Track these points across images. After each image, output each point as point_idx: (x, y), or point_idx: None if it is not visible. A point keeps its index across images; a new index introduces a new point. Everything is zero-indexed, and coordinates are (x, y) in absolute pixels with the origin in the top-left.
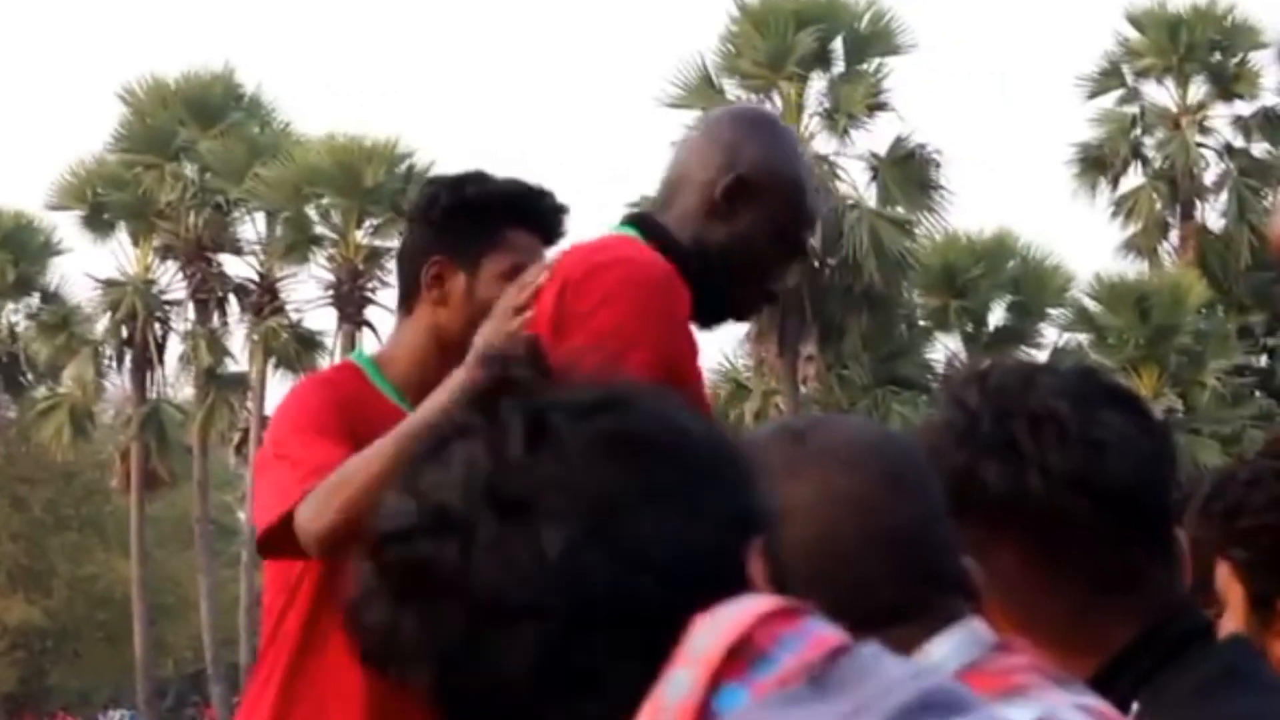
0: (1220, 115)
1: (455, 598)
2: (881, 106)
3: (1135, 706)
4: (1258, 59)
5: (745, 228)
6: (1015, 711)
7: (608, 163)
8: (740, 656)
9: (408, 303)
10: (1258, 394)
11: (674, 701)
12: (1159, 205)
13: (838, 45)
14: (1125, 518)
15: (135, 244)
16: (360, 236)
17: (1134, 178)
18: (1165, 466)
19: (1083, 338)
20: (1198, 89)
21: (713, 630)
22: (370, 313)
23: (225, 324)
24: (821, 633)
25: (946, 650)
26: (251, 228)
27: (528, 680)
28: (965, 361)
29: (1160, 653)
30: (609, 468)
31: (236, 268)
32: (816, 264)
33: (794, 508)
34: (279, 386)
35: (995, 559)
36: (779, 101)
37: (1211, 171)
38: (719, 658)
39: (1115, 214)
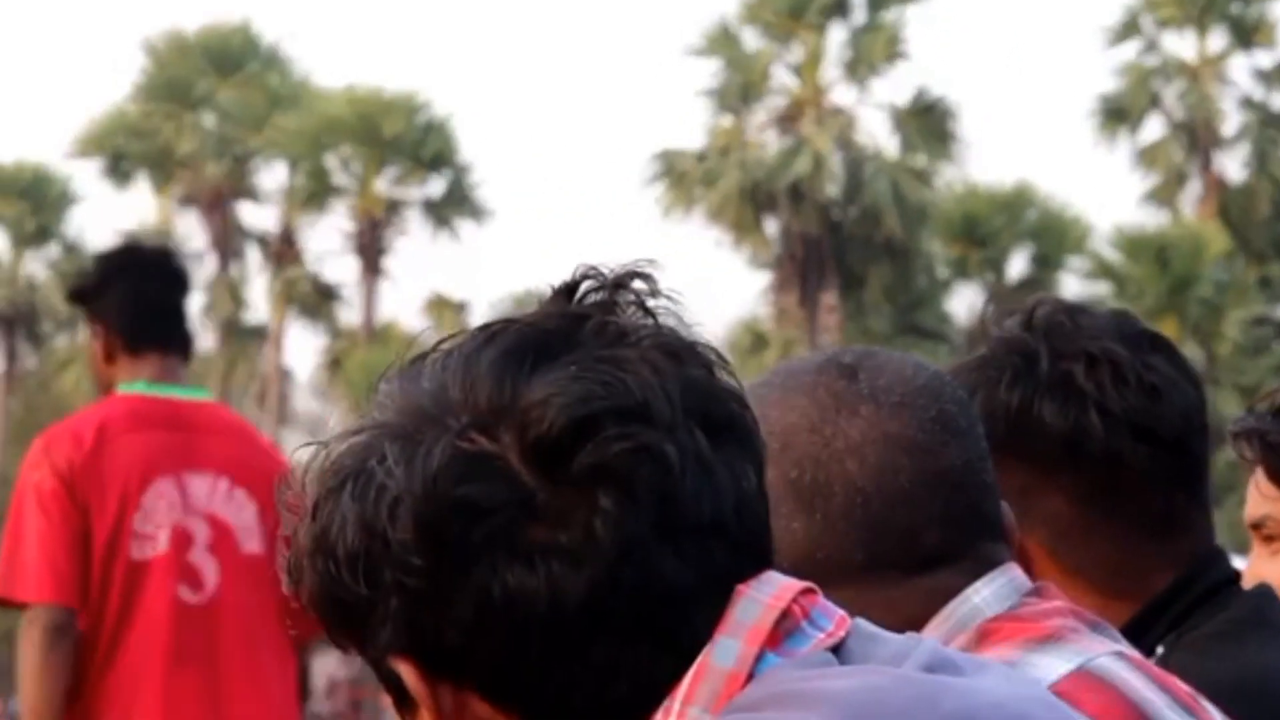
0: (1240, 66)
1: (659, 494)
2: (901, 56)
3: (1160, 649)
4: (1278, 10)
5: None
6: (1051, 660)
7: (627, 112)
8: (778, 628)
9: (190, 350)
10: (1277, 344)
11: (722, 667)
12: (1179, 156)
13: None
14: (1175, 463)
15: (155, 193)
16: (380, 187)
17: (1154, 129)
18: (1205, 412)
19: (1103, 288)
20: (1217, 40)
21: (755, 602)
22: (389, 262)
23: (244, 274)
24: (840, 610)
25: (986, 595)
26: (271, 178)
27: (691, 590)
28: (989, 310)
29: (1193, 600)
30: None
31: (256, 217)
32: (837, 214)
33: (846, 445)
34: (299, 336)
35: (1046, 501)
36: (799, 51)
37: (1232, 122)
38: (768, 629)
39: (1136, 165)
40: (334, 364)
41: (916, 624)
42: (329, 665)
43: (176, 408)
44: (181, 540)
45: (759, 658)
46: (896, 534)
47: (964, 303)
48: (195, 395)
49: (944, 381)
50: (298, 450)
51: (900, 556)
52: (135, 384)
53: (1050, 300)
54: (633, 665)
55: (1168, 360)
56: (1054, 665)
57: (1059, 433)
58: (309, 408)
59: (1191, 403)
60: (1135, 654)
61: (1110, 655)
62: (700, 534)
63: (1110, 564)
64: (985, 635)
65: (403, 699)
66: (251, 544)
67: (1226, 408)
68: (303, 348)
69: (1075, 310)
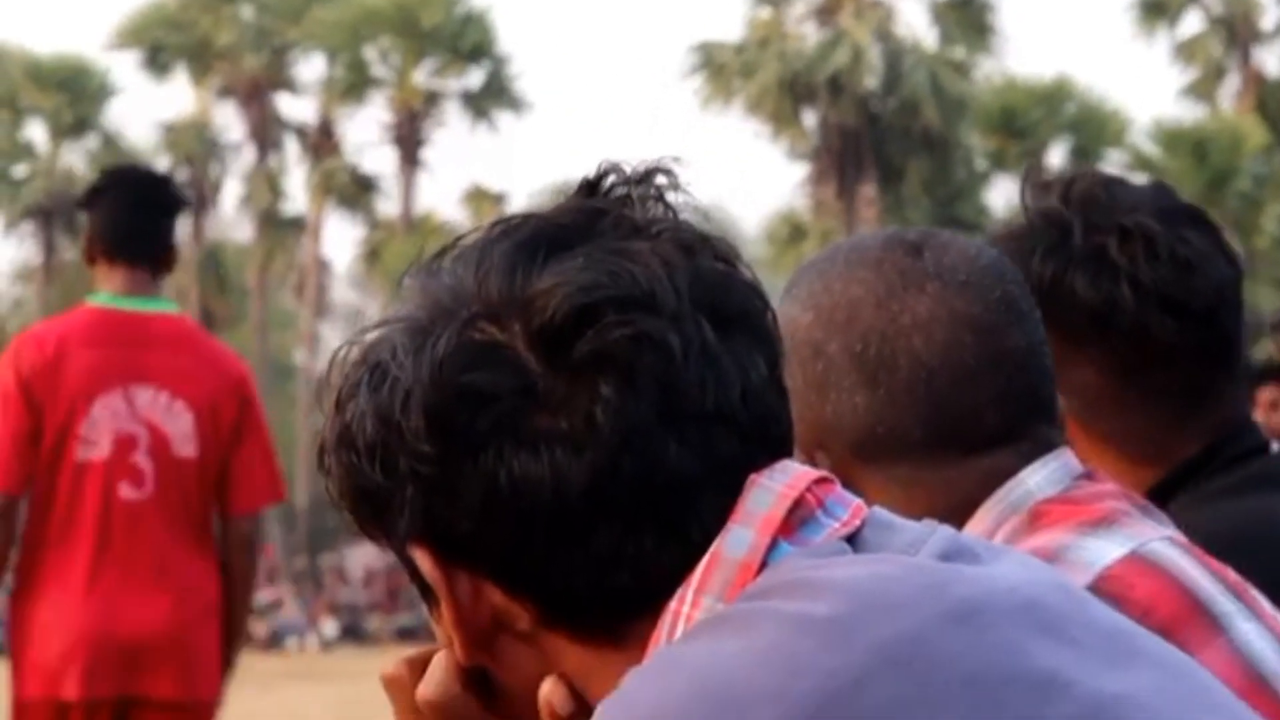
0: None
1: (660, 381)
2: None
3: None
4: None
5: None
6: (1103, 543)
7: (666, 2)
8: (792, 517)
9: (164, 265)
10: None
11: (735, 556)
12: (1217, 51)
13: None
14: (1206, 336)
15: (194, 85)
16: (418, 78)
17: (1193, 23)
18: (1240, 288)
19: (1140, 181)
20: None
21: (769, 491)
22: (427, 154)
23: (282, 165)
24: (856, 499)
25: (1040, 479)
26: (309, 69)
27: (696, 478)
28: (1026, 183)
29: (1218, 466)
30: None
31: (294, 109)
32: (876, 107)
33: (913, 320)
34: (337, 228)
35: (1077, 371)
36: None
37: (1270, 17)
38: (781, 518)
39: (1174, 59)
40: (372, 255)
41: (971, 505)
42: (366, 555)
43: (132, 321)
44: (125, 444)
45: (772, 547)
46: (958, 412)
47: (1002, 195)
48: (155, 308)
49: (1006, 264)
50: (336, 350)
51: (960, 435)
52: (101, 295)
53: (1089, 174)
54: (636, 554)
55: (1203, 234)
56: (1106, 549)
57: (1089, 304)
58: (346, 298)
59: (1226, 277)
60: (1185, 539)
61: (1162, 540)
62: (704, 422)
63: (1140, 433)
64: (1038, 517)
65: (426, 590)
66: (186, 449)
67: (1265, 301)
68: (341, 239)
69: (1112, 183)
